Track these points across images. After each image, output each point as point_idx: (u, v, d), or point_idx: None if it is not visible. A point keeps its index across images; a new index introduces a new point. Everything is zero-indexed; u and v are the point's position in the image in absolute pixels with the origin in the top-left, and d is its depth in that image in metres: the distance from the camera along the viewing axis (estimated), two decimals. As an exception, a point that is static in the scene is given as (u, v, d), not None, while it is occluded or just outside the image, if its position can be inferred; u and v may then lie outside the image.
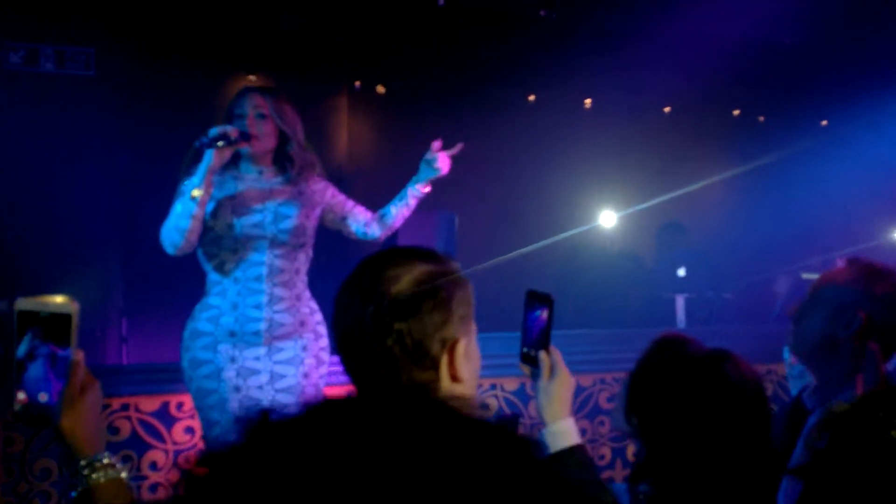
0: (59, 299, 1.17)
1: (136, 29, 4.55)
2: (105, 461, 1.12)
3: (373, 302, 1.10)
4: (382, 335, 1.09)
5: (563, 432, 1.37)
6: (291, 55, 5.07)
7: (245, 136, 2.61)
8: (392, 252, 1.18)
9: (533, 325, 1.45)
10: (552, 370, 1.39)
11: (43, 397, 1.14)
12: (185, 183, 2.58)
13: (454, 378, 1.13)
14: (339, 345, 1.16)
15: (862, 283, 1.76)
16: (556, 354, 1.41)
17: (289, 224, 2.69)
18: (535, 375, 1.43)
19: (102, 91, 4.38)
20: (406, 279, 1.11)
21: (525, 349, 1.48)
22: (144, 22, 4.60)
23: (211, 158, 2.52)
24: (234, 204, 2.65)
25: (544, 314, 1.43)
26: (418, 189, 2.97)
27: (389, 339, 1.09)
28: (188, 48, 4.76)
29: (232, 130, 2.57)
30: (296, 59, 5.08)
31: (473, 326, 1.19)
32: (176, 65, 4.71)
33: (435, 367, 1.11)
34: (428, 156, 2.88)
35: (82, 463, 1.12)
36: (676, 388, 1.42)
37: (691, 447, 1.36)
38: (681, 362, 1.44)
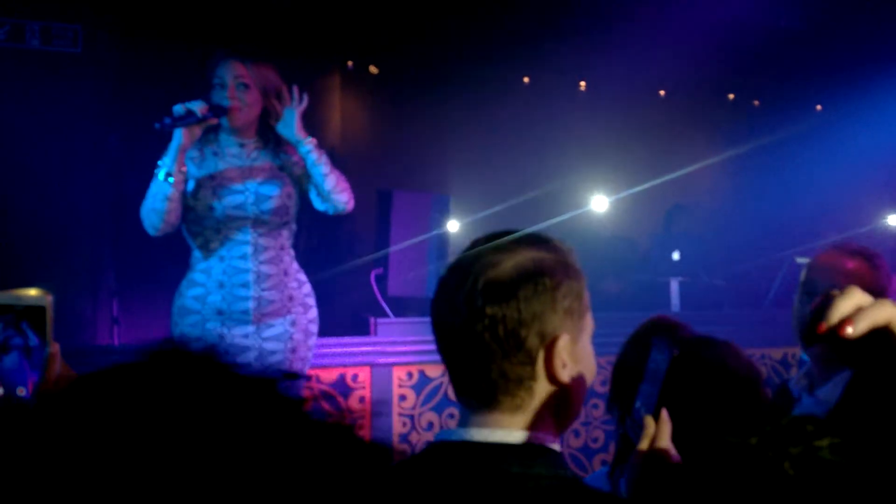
0: (32, 292, 1.16)
1: (125, 6, 4.48)
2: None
3: (468, 282, 1.00)
4: (473, 320, 0.98)
5: None
6: (283, 34, 5.00)
7: (218, 111, 2.53)
8: (499, 235, 1.07)
9: (650, 378, 1.20)
10: (655, 443, 1.16)
11: (21, 391, 1.13)
12: (158, 163, 2.53)
13: (552, 378, 1.01)
14: (434, 329, 1.06)
15: (860, 272, 1.81)
16: (666, 426, 1.16)
17: (270, 205, 2.65)
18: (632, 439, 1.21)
19: (90, 69, 4.32)
20: (507, 263, 1.01)
21: (638, 403, 1.21)
22: (133, -2, 4.53)
23: (181, 137, 2.46)
24: (213, 185, 2.60)
25: (662, 368, 1.18)
26: (302, 146, 2.71)
27: (480, 325, 0.98)
28: (177, 26, 4.69)
29: (201, 107, 2.49)
30: (287, 39, 5.01)
31: (587, 325, 1.06)
32: (165, 43, 4.64)
33: (531, 362, 1.00)
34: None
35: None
36: (672, 371, 1.39)
37: (681, 435, 1.34)
38: (677, 344, 1.41)
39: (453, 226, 5.03)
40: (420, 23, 5.32)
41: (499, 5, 5.36)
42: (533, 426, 1.01)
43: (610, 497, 1.02)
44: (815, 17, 5.52)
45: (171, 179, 2.48)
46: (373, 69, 5.72)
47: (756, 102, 6.67)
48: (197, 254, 2.67)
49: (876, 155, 5.70)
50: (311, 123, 5.19)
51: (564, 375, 1.02)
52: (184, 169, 2.52)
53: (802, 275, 1.89)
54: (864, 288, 1.71)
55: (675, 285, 4.63)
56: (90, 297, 4.39)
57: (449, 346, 1.03)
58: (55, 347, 1.14)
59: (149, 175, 2.69)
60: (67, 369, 1.17)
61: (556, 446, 1.02)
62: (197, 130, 2.51)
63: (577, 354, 1.04)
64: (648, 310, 4.63)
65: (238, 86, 2.59)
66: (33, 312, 1.14)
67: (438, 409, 3.61)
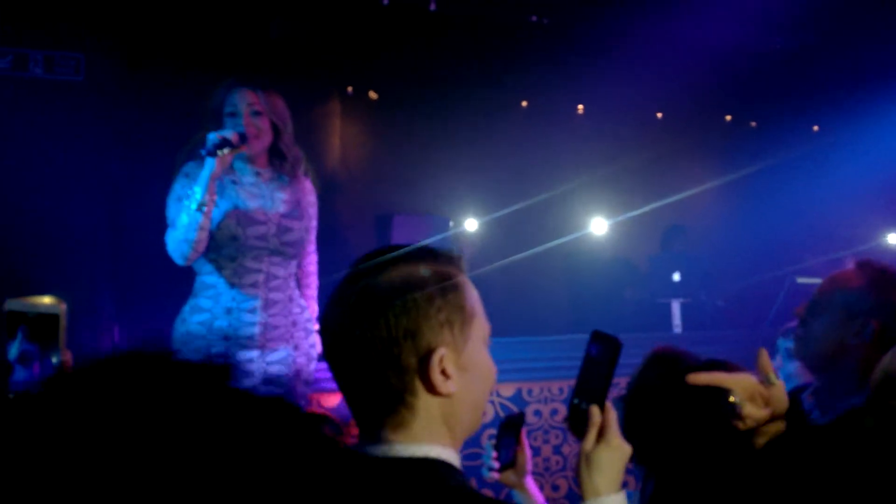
0: (46, 300, 1.16)
1: (126, 35, 4.53)
2: None
3: (349, 299, 1.02)
4: (350, 337, 1.00)
5: None
6: (282, 61, 5.05)
7: (244, 139, 2.57)
8: (387, 250, 1.08)
9: (591, 371, 1.21)
10: (602, 433, 1.15)
11: None
12: (188, 192, 2.53)
13: (433, 391, 1.01)
14: (322, 344, 1.09)
15: (876, 291, 1.71)
16: (611, 415, 1.17)
17: (291, 237, 2.70)
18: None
19: (92, 97, 4.35)
20: (384, 277, 1.02)
21: (576, 401, 1.20)
22: (134, 28, 4.57)
23: (213, 166, 2.47)
24: (238, 214, 2.61)
25: (607, 360, 1.18)
26: None
27: (356, 343, 1.00)
28: (178, 54, 4.74)
29: (232, 135, 2.52)
30: (287, 65, 5.06)
31: (476, 332, 1.06)
32: (166, 71, 4.68)
33: (406, 375, 1.00)
34: None
35: None
36: (678, 407, 1.38)
37: (698, 464, 1.33)
38: (679, 380, 1.41)
39: (471, 224, 5.03)
40: (419, 48, 5.37)
41: (496, 30, 5.41)
42: (421, 438, 1.01)
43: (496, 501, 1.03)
44: (810, 39, 5.58)
45: (203, 209, 2.49)
46: (372, 95, 5.76)
47: (753, 124, 6.71)
48: (206, 280, 2.66)
49: (874, 173, 5.72)
50: (312, 149, 5.23)
51: (447, 387, 1.01)
52: (214, 197, 2.53)
53: (817, 294, 1.82)
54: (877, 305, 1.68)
55: (676, 306, 4.63)
56: (90, 324, 4.39)
57: (337, 359, 1.04)
58: (67, 355, 1.14)
59: (149, 202, 2.70)
60: None
61: (448, 457, 1.02)
62: (228, 158, 2.53)
63: (464, 363, 1.04)
64: (650, 330, 4.64)
65: (252, 113, 2.62)
66: (46, 320, 1.14)
67: None
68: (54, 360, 1.16)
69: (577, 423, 1.20)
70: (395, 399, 1.01)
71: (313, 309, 2.92)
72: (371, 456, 1.00)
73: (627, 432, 1.46)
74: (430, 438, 1.01)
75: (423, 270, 1.04)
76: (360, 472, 0.97)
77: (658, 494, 1.38)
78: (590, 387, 1.19)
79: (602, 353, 1.19)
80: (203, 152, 2.47)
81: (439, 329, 1.01)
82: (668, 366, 1.45)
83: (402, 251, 1.08)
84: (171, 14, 4.73)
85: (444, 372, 1.01)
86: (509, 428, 1.44)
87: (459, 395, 1.03)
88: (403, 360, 1.00)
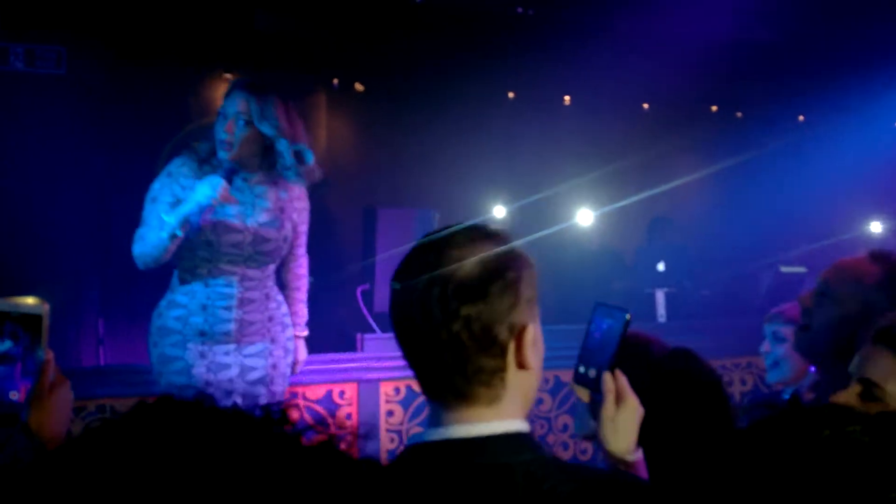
0: (29, 300, 1.18)
1: (109, 27, 4.50)
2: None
3: (437, 285, 1.01)
4: (449, 321, 1.01)
5: (636, 468, 1.24)
6: (267, 53, 5.03)
7: (232, 173, 2.60)
8: (453, 232, 1.08)
9: (597, 341, 1.27)
10: (620, 396, 1.24)
11: (14, 396, 1.15)
12: (164, 216, 2.56)
13: (521, 365, 1.05)
14: (399, 332, 1.07)
15: (890, 284, 1.60)
16: (622, 379, 1.25)
17: (267, 247, 2.70)
18: (593, 401, 1.27)
19: (75, 90, 4.33)
20: (472, 260, 1.03)
21: (582, 368, 1.27)
22: (117, 20, 4.54)
23: (198, 213, 2.54)
24: (214, 222, 2.60)
25: (616, 331, 1.24)
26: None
27: (456, 325, 1.00)
28: (162, 47, 4.71)
29: (220, 191, 2.53)
30: (272, 58, 5.04)
31: (538, 311, 1.10)
32: (150, 64, 4.66)
33: (503, 354, 1.03)
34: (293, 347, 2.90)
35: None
36: (645, 391, 1.43)
37: (666, 445, 1.36)
38: (646, 365, 1.44)
39: (500, 211, 5.03)
40: (405, 41, 5.36)
41: (482, 22, 5.41)
42: (508, 414, 1.05)
43: (597, 469, 1.04)
44: (795, 29, 5.60)
45: (174, 239, 2.55)
46: (358, 87, 5.75)
47: (739, 114, 6.74)
48: (183, 276, 2.68)
49: (859, 163, 5.76)
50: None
51: (532, 362, 1.06)
52: (187, 229, 2.57)
53: (820, 279, 1.72)
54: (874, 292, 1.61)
55: (660, 296, 4.65)
56: (75, 318, 4.37)
57: (421, 349, 1.05)
58: (50, 355, 1.17)
59: (134, 196, 2.69)
60: (60, 376, 1.20)
61: (527, 428, 1.06)
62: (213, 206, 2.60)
63: (538, 340, 1.09)
64: (635, 321, 4.65)
65: (237, 122, 2.60)
66: (29, 320, 1.15)
67: (426, 424, 3.60)
68: (38, 358, 1.17)
69: (583, 387, 1.28)
70: (489, 379, 1.03)
71: (302, 313, 2.92)
72: (467, 437, 1.02)
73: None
74: (514, 413, 1.05)
75: (506, 249, 1.07)
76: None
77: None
78: (596, 355, 1.26)
79: (610, 323, 1.26)
80: (193, 215, 2.54)
81: (526, 306, 1.05)
82: (637, 350, 1.47)
83: (466, 230, 1.08)
84: (155, 6, 4.70)
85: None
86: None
87: (536, 369, 1.08)
88: (501, 341, 1.03)
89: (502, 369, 1.04)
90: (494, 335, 1.02)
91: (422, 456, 1.04)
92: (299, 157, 2.70)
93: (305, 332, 2.92)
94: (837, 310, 1.65)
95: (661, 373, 1.43)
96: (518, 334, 1.04)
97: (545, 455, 1.03)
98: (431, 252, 1.05)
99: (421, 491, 0.98)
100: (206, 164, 2.65)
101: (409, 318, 1.04)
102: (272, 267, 2.77)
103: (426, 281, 1.03)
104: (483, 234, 1.08)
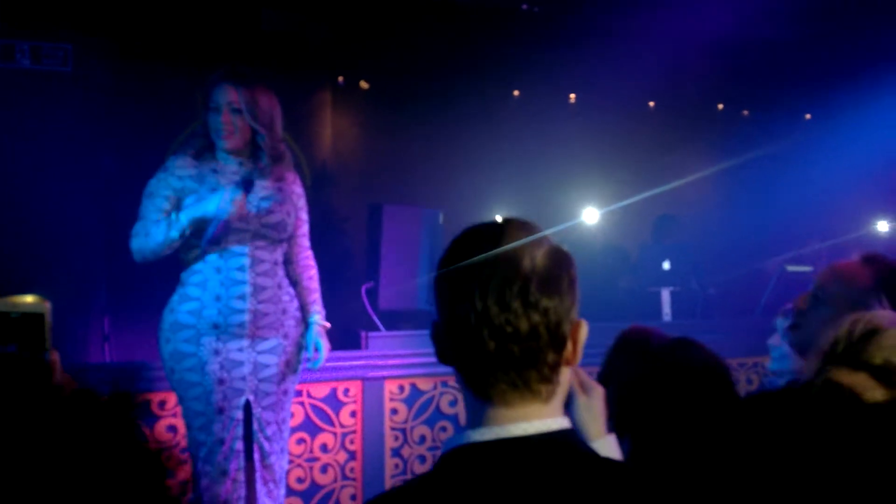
0: (29, 299, 1.14)
1: (115, 25, 4.50)
2: None
3: (516, 277, 1.00)
4: (530, 313, 1.00)
5: (611, 449, 1.30)
6: (273, 52, 5.03)
7: (249, 185, 2.64)
8: (503, 226, 1.07)
9: None
10: (584, 385, 1.30)
11: None
12: (172, 214, 2.61)
13: (570, 362, 1.05)
14: (456, 326, 1.03)
15: (886, 290, 1.66)
16: (578, 370, 1.29)
17: (272, 219, 2.72)
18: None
19: (81, 87, 4.33)
20: (543, 254, 1.03)
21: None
22: (123, 18, 4.55)
23: (217, 222, 2.58)
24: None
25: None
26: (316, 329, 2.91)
27: (536, 317, 1.00)
28: (168, 45, 4.71)
29: (233, 210, 2.58)
30: (278, 56, 5.04)
31: None
32: (156, 62, 4.66)
33: (563, 349, 1.04)
34: (316, 332, 2.89)
35: None
36: (645, 381, 1.45)
37: (671, 433, 1.40)
38: (646, 356, 1.48)
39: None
40: (410, 38, 5.35)
41: (489, 20, 5.40)
42: (558, 411, 1.06)
43: (657, 472, 1.05)
44: (802, 28, 5.57)
45: (182, 238, 2.60)
46: (363, 85, 5.74)
47: (745, 112, 6.72)
48: (193, 267, 2.69)
49: (865, 162, 5.73)
50: (303, 139, 5.22)
51: (578, 358, 1.07)
52: (194, 227, 2.62)
53: (816, 281, 1.79)
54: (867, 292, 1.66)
55: (666, 295, 4.64)
56: (81, 315, 4.38)
57: (485, 342, 1.01)
58: (55, 355, 1.13)
59: (140, 194, 2.70)
60: (68, 377, 1.17)
61: (570, 425, 1.06)
62: (241, 206, 2.63)
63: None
64: (640, 319, 4.65)
65: (231, 111, 2.67)
66: (31, 320, 1.11)
67: (430, 423, 3.60)
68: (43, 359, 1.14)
69: None
70: (552, 374, 1.04)
71: (319, 302, 2.92)
72: (525, 436, 1.01)
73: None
74: (560, 409, 1.06)
75: (563, 247, 1.07)
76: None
77: (636, 453, 1.45)
78: None
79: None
80: (210, 228, 2.60)
81: (576, 301, 1.06)
82: (638, 343, 1.50)
83: (517, 224, 1.08)
84: (162, 4, 4.70)
85: None
86: None
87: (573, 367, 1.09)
88: (565, 335, 1.04)
89: (560, 364, 1.04)
90: (563, 330, 1.03)
91: (473, 458, 1.01)
92: (277, 147, 2.76)
93: (327, 325, 2.91)
94: (829, 311, 1.71)
95: (661, 364, 1.45)
96: (574, 330, 1.05)
97: (595, 455, 1.04)
98: (495, 244, 1.03)
99: (477, 494, 0.96)
100: (200, 157, 2.72)
101: (475, 310, 1.01)
102: (280, 251, 2.77)
103: (503, 272, 1.01)
104: (532, 228, 1.08)
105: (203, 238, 2.62)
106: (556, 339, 1.02)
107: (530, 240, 1.04)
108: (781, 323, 2.54)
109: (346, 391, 3.50)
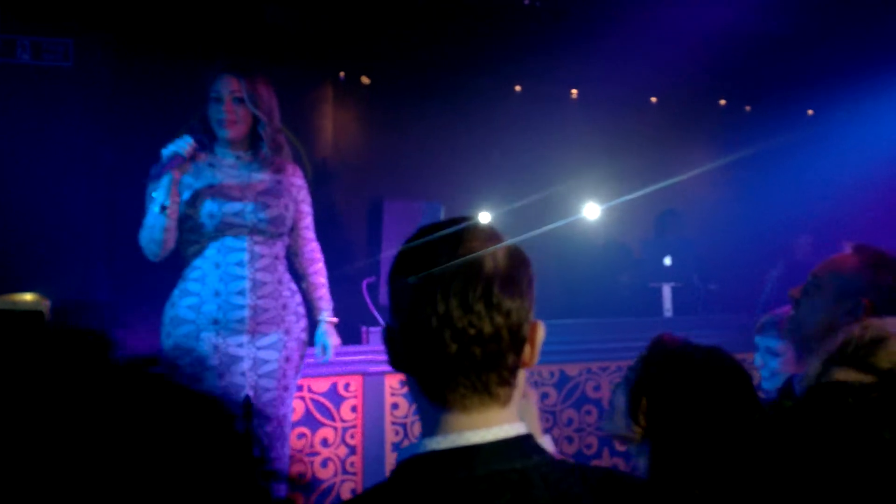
0: (28, 297, 1.15)
1: (116, 19, 4.50)
2: None
3: (479, 279, 0.98)
4: (493, 315, 0.98)
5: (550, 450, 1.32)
6: (275, 46, 5.02)
7: (203, 144, 2.64)
8: (465, 227, 1.04)
9: None
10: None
11: None
12: (153, 193, 2.61)
13: (527, 363, 1.04)
14: (418, 329, 1.00)
15: (868, 272, 1.73)
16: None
17: (269, 213, 2.71)
18: None
19: (82, 83, 4.33)
20: (502, 255, 1.01)
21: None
22: (124, 12, 4.54)
23: (171, 174, 2.57)
24: (213, 193, 2.66)
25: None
26: (324, 327, 2.93)
27: (500, 319, 0.98)
28: (170, 39, 4.71)
29: (188, 146, 2.59)
30: (280, 51, 5.03)
31: None
32: (158, 56, 4.65)
33: (522, 351, 1.02)
34: (323, 331, 2.91)
35: None
36: (685, 390, 1.47)
37: (710, 439, 1.42)
38: (684, 365, 1.49)
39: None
40: (411, 33, 5.34)
41: (490, 15, 5.39)
42: (514, 415, 1.03)
43: (595, 468, 1.05)
44: (805, 23, 5.56)
45: (166, 212, 2.57)
46: (364, 80, 5.74)
47: (748, 108, 6.71)
48: (193, 262, 2.69)
49: (868, 158, 5.72)
50: (304, 134, 5.21)
51: (534, 360, 1.05)
52: (177, 199, 2.60)
53: (812, 276, 1.84)
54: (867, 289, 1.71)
55: (667, 290, 4.64)
56: (83, 310, 4.38)
57: (446, 346, 0.99)
58: None
59: (142, 188, 2.71)
60: None
61: (527, 430, 1.04)
62: (187, 165, 2.62)
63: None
64: (641, 315, 4.66)
65: (233, 100, 2.70)
66: (30, 318, 1.13)
67: (424, 433, 3.60)
68: None
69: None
70: (510, 377, 1.02)
71: (327, 297, 2.92)
72: (482, 443, 0.99)
73: (636, 414, 1.51)
74: (516, 414, 1.04)
75: (520, 248, 1.05)
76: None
77: (673, 459, 1.45)
78: None
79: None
80: (153, 174, 2.55)
81: (533, 302, 1.04)
82: (673, 352, 1.52)
83: (476, 226, 1.05)
84: (162, -1, 4.69)
85: None
86: None
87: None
88: (524, 337, 1.02)
89: (518, 367, 1.03)
90: (523, 331, 1.01)
91: (429, 467, 0.99)
92: (277, 138, 2.77)
93: (335, 320, 2.92)
94: (819, 299, 1.78)
95: (699, 373, 1.47)
96: (532, 331, 1.03)
97: (550, 457, 1.03)
98: (455, 247, 1.01)
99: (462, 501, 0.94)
100: (202, 149, 2.72)
101: (437, 313, 0.99)
102: (280, 245, 2.77)
103: (466, 274, 0.99)
104: (491, 230, 1.06)
105: (164, 190, 2.57)
106: (517, 340, 1.00)
107: (487, 239, 1.02)
108: (763, 342, 2.52)
109: (347, 386, 3.50)
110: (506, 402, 1.02)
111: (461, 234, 1.03)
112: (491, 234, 1.04)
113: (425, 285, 1.00)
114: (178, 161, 2.56)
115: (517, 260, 1.02)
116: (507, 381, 1.01)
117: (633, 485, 1.03)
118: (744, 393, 1.47)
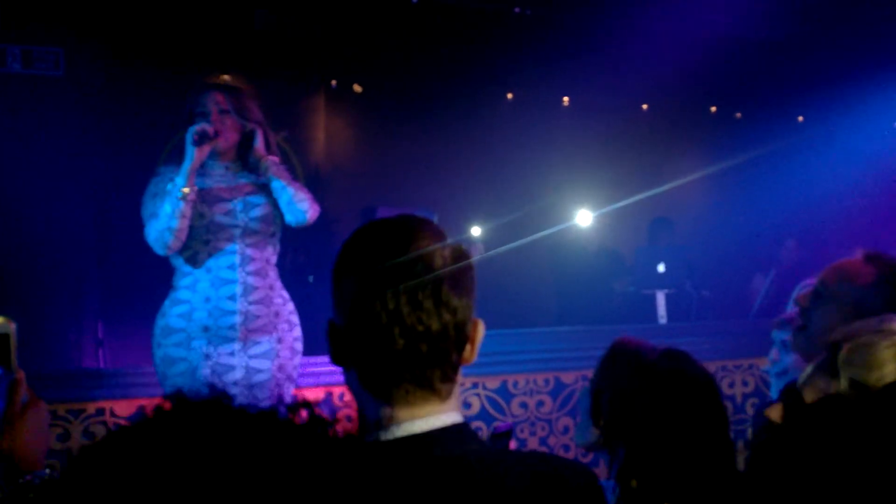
0: None
1: (107, 28, 4.49)
2: (46, 479, 1.12)
3: (428, 276, 0.99)
4: (441, 313, 1.00)
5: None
6: (266, 54, 5.02)
7: (216, 134, 2.66)
8: (407, 222, 1.06)
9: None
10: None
11: None
12: (168, 184, 2.59)
13: (468, 360, 1.06)
14: (364, 325, 1.01)
15: (886, 288, 1.64)
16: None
17: (259, 212, 2.71)
18: None
19: (73, 92, 4.31)
20: (449, 253, 1.03)
21: None
22: (115, 21, 4.53)
23: (193, 157, 2.57)
24: (203, 195, 2.65)
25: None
26: (266, 167, 2.75)
27: (447, 316, 1.00)
28: (161, 48, 4.70)
29: (210, 128, 2.61)
30: (271, 59, 5.03)
31: None
32: (148, 65, 4.64)
33: (464, 348, 1.04)
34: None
35: (21, 482, 1.11)
36: (640, 392, 1.47)
37: (663, 444, 1.43)
38: (639, 367, 1.50)
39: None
40: (403, 41, 5.35)
41: (481, 23, 5.40)
42: (454, 407, 1.06)
43: (534, 453, 1.06)
44: (794, 30, 5.60)
45: (186, 197, 2.57)
46: (357, 88, 5.74)
47: (738, 115, 6.74)
48: (183, 269, 2.68)
49: (858, 164, 5.76)
50: (296, 142, 5.20)
51: (474, 356, 1.07)
52: (195, 188, 2.60)
53: (817, 280, 1.76)
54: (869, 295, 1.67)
55: (660, 297, 4.65)
56: (74, 320, 4.36)
57: (393, 342, 1.00)
58: (20, 375, 1.14)
59: (133, 196, 2.70)
60: (34, 396, 1.17)
61: (463, 420, 1.07)
62: (206, 149, 2.62)
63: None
64: (635, 322, 4.67)
65: (220, 111, 2.70)
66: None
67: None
68: (6, 380, 1.15)
69: None
70: (453, 373, 1.04)
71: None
72: (423, 432, 1.02)
73: (596, 418, 1.53)
74: (456, 406, 1.07)
75: (461, 244, 1.07)
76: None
77: (630, 461, 1.46)
78: None
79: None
80: (192, 140, 2.56)
81: (475, 300, 1.06)
82: (627, 356, 1.52)
83: (421, 223, 1.06)
84: (153, 7, 4.68)
85: None
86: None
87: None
88: (468, 335, 1.04)
89: (460, 364, 1.05)
90: (467, 329, 1.04)
91: (369, 458, 1.00)
92: (268, 148, 2.77)
93: (276, 160, 2.76)
94: (833, 309, 1.69)
95: (654, 374, 1.47)
96: (474, 329, 1.06)
97: (487, 445, 1.06)
98: (402, 244, 1.02)
99: (385, 492, 0.97)
100: None
101: (386, 309, 1.00)
102: (270, 249, 2.75)
103: (415, 271, 1.00)
104: (436, 228, 1.07)
105: (184, 176, 2.55)
106: (461, 338, 1.03)
107: (435, 238, 1.04)
108: (779, 336, 2.49)
109: (342, 395, 3.48)
110: (446, 397, 1.04)
111: (409, 232, 1.04)
112: (437, 233, 1.06)
113: (374, 281, 1.00)
114: (205, 136, 2.57)
115: (464, 257, 1.05)
116: (450, 377, 1.04)
117: (568, 466, 1.06)
118: (703, 395, 1.48)
